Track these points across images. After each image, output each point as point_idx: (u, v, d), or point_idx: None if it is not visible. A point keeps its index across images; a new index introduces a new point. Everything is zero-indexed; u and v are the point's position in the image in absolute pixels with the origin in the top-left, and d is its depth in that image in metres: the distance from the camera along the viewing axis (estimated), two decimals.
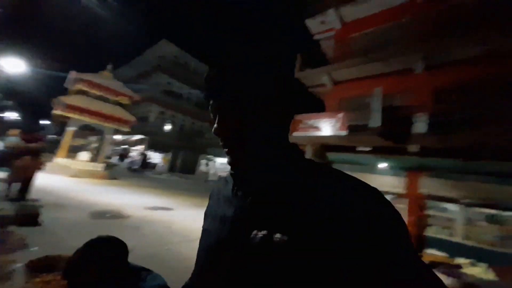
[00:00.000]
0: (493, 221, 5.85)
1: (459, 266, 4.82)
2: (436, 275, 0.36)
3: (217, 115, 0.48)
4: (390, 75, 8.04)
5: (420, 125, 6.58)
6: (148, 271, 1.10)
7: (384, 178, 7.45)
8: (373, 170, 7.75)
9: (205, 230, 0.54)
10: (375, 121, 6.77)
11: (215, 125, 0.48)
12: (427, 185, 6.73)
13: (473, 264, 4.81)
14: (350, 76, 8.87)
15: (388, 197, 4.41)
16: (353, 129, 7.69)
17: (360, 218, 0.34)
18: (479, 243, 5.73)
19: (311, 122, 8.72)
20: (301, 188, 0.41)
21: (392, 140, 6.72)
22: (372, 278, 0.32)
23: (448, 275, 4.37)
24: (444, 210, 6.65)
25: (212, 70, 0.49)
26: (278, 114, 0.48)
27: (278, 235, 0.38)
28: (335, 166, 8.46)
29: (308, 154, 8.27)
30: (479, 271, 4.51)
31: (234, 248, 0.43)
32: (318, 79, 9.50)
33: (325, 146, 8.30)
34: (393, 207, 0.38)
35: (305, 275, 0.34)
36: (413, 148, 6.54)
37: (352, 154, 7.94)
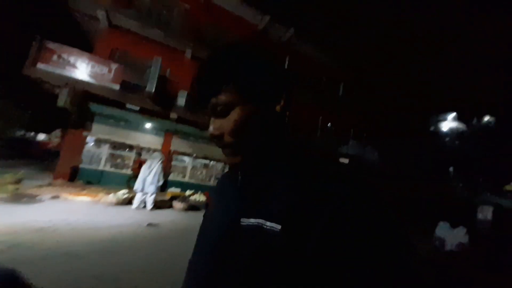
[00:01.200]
0: (205, 167, 9.82)
1: (187, 196, 7.61)
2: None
3: (217, 113, 0.44)
4: (167, 48, 9.08)
5: (180, 99, 8.53)
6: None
7: (147, 136, 8.56)
8: (137, 128, 8.44)
9: (202, 229, 0.53)
10: (151, 86, 7.51)
11: (215, 126, 0.45)
12: (175, 144, 9.09)
13: (194, 193, 7.84)
14: (132, 27, 8.43)
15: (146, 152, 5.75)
16: (126, 86, 7.67)
17: (351, 215, 0.34)
18: (196, 181, 9.38)
19: (71, 58, 7.01)
20: (296, 182, 0.40)
21: (161, 105, 7.99)
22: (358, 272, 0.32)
23: (182, 201, 6.85)
24: (182, 161, 9.53)
25: (213, 61, 0.45)
26: (277, 104, 0.46)
27: (268, 223, 0.37)
28: (97, 118, 7.88)
29: (62, 97, 6.69)
30: (197, 197, 7.56)
31: (226, 235, 0.43)
32: (91, 8, 7.68)
33: (88, 94, 7.27)
34: (384, 207, 0.37)
35: (295, 266, 0.34)
36: (173, 115, 8.39)
37: (119, 110, 7.92)
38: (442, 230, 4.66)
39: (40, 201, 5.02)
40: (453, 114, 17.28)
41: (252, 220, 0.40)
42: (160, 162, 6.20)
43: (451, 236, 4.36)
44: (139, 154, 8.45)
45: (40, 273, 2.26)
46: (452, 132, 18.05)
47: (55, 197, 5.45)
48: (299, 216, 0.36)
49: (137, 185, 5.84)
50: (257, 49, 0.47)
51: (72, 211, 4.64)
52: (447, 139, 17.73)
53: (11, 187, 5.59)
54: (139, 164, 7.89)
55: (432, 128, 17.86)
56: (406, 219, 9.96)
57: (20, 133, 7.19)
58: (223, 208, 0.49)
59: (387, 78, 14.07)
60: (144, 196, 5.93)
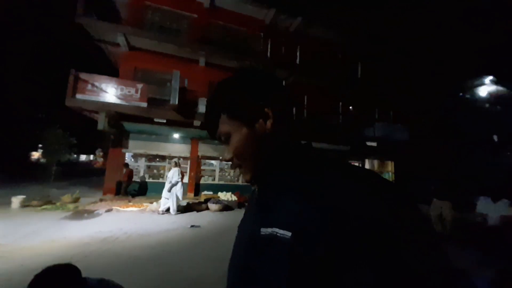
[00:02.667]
0: (231, 168, 10.26)
1: (218, 198, 8.08)
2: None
3: (224, 142, 0.51)
4: (183, 60, 9.56)
5: (201, 107, 8.96)
6: (103, 280, 1.24)
7: (176, 145, 9.19)
8: (167, 139, 9.10)
9: (236, 239, 0.56)
10: (174, 99, 8.03)
11: (226, 152, 0.52)
12: (202, 149, 9.62)
13: (224, 194, 8.30)
14: (148, 47, 9.02)
15: (176, 160, 6.13)
16: (152, 102, 8.29)
17: (362, 219, 0.34)
18: (226, 181, 9.86)
19: (102, 85, 7.76)
20: (303, 188, 0.41)
21: (184, 115, 8.50)
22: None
23: (215, 203, 7.30)
24: (210, 165, 10.07)
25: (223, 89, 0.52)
26: (268, 119, 0.48)
27: (281, 231, 0.39)
28: (132, 135, 8.63)
29: (101, 121, 7.49)
30: (228, 197, 8.00)
31: (250, 244, 0.45)
32: (112, 36, 8.38)
33: (121, 114, 8.01)
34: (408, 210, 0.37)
35: (309, 272, 0.35)
36: (197, 122, 8.87)
37: (148, 125, 8.59)
38: (483, 205, 4.47)
39: (98, 215, 5.77)
40: (490, 77, 15.62)
41: (269, 230, 0.41)
42: (174, 171, 6.48)
43: (494, 210, 4.18)
44: (126, 165, 8.64)
45: (114, 276, 2.74)
46: (491, 97, 16.38)
47: (109, 210, 6.21)
48: (308, 222, 0.37)
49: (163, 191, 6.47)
50: (237, 78, 0.52)
51: (125, 221, 5.28)
52: (487, 105, 16.12)
53: (71, 206, 6.48)
54: (128, 175, 8.41)
55: (467, 95, 16.34)
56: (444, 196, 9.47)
57: (70, 156, 8.17)
58: (249, 220, 0.52)
59: (406, 47, 13.10)
60: (166, 202, 6.37)
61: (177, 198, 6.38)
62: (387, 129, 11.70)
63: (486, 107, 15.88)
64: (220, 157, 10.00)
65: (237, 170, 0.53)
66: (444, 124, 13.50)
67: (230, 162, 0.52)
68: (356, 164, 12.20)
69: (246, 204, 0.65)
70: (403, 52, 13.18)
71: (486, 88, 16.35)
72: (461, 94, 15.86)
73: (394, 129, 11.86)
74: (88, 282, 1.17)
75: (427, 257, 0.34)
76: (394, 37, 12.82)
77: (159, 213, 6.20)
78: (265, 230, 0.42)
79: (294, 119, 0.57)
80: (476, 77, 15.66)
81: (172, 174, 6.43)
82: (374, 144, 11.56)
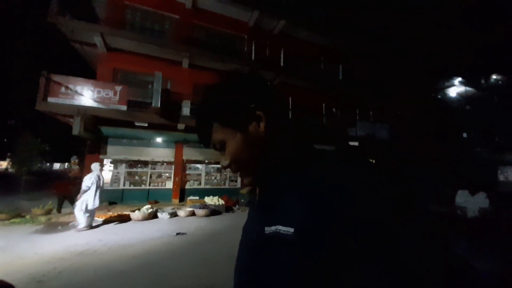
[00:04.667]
0: (218, 171, 10.04)
1: (204, 202, 7.85)
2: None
3: (219, 149, 0.51)
4: (165, 61, 9.27)
5: (185, 109, 8.72)
6: None
7: (159, 150, 8.84)
8: (149, 144, 8.73)
9: (240, 242, 0.56)
10: (156, 101, 7.73)
11: (222, 159, 0.51)
12: (187, 153, 9.33)
13: (211, 199, 8.08)
14: (128, 48, 8.65)
15: (160, 164, 5.84)
16: (132, 105, 7.92)
17: (360, 213, 0.35)
18: (212, 185, 9.62)
19: (77, 88, 7.30)
20: (302, 186, 0.42)
21: (168, 118, 8.21)
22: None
23: (202, 208, 7.08)
24: (196, 169, 9.78)
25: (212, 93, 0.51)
26: (260, 122, 0.47)
27: (284, 228, 0.39)
28: (111, 140, 8.20)
29: (76, 126, 7.02)
30: (215, 201, 7.80)
31: (256, 244, 0.46)
32: (87, 36, 7.93)
33: (99, 118, 7.57)
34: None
35: (313, 267, 0.35)
36: (181, 126, 8.60)
37: (129, 129, 8.19)
38: (462, 198, 4.68)
39: (74, 226, 5.34)
40: (459, 79, 16.75)
41: (273, 228, 0.42)
42: (88, 176, 5.47)
43: (472, 202, 4.39)
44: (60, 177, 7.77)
45: None
46: (461, 97, 17.56)
47: None
48: (309, 218, 0.38)
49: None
50: (225, 84, 0.52)
51: (105, 232, 4.94)
52: (457, 104, 17.27)
53: (43, 218, 5.97)
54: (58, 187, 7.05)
55: (439, 95, 17.40)
56: (426, 191, 9.93)
57: (41, 165, 7.57)
58: (253, 220, 0.53)
59: (387, 49, 13.70)
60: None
61: (86, 208, 5.14)
62: (368, 128, 12.11)
63: (457, 106, 17.00)
64: (206, 161, 9.78)
65: (234, 173, 0.52)
66: (422, 122, 14.20)
67: (227, 169, 0.51)
68: None
69: (248, 207, 0.66)
70: (381, 53, 13.76)
71: (456, 89, 17.56)
72: (436, 94, 16.85)
73: (374, 128, 12.29)
74: None
75: (428, 256, 0.35)
76: (375, 38, 13.37)
77: (78, 231, 5.01)
78: (268, 229, 0.43)
79: (289, 118, 0.53)
80: (448, 78, 16.73)
81: (85, 179, 5.40)
82: (356, 143, 11.89)
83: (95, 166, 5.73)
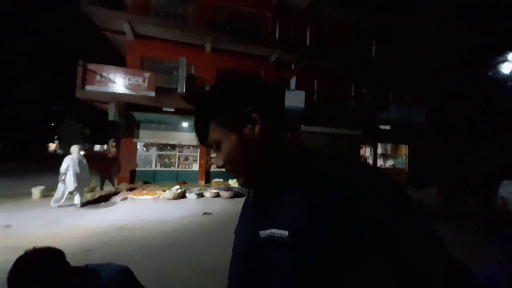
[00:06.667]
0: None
1: (229, 184, 8.15)
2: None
3: (215, 149, 0.50)
4: (189, 46, 9.34)
5: None
6: (103, 265, 1.18)
7: (185, 134, 9.21)
8: (176, 128, 9.12)
9: (234, 246, 0.57)
10: (181, 87, 7.94)
11: (217, 159, 0.51)
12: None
13: (235, 181, 8.34)
14: (154, 34, 8.83)
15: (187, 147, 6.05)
16: (159, 91, 8.25)
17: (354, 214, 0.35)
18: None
19: (111, 76, 7.75)
20: (296, 188, 0.42)
21: (192, 103, 8.43)
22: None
23: (226, 190, 7.37)
24: None
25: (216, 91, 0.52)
26: (256, 125, 0.47)
27: (278, 231, 0.39)
28: (142, 125, 8.71)
29: (111, 111, 7.54)
30: (236, 184, 8.04)
31: (250, 248, 0.46)
32: (117, 24, 8.24)
33: (131, 104, 8.05)
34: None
35: (308, 270, 0.35)
36: None
37: (158, 114, 8.61)
38: (506, 188, 4.24)
39: (114, 203, 5.95)
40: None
41: (267, 231, 0.42)
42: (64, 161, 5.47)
43: None
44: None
45: (129, 263, 2.81)
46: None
47: (124, 199, 6.38)
48: (306, 220, 0.37)
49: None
50: (224, 85, 0.53)
51: (140, 209, 5.42)
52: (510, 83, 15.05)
53: (89, 195, 6.70)
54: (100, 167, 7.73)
55: (489, 73, 15.26)
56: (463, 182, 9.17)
57: (84, 147, 8.38)
58: (246, 224, 0.53)
59: (424, 21, 12.15)
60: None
61: (64, 189, 5.36)
62: (402, 111, 11.22)
63: (504, 88, 14.86)
64: None
65: (228, 173, 0.52)
66: (460, 108, 12.77)
67: (222, 168, 0.52)
68: (368, 148, 12.22)
69: (242, 209, 0.63)
70: (419, 31, 12.29)
71: (509, 66, 15.23)
72: (486, 71, 14.79)
73: (409, 111, 11.35)
74: (76, 268, 1.13)
75: (428, 257, 0.34)
76: (411, 14, 11.92)
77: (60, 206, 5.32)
78: (263, 233, 0.43)
79: (285, 120, 0.54)
80: (495, 56, 14.51)
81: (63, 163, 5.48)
82: (387, 127, 11.16)
83: (73, 149, 5.67)
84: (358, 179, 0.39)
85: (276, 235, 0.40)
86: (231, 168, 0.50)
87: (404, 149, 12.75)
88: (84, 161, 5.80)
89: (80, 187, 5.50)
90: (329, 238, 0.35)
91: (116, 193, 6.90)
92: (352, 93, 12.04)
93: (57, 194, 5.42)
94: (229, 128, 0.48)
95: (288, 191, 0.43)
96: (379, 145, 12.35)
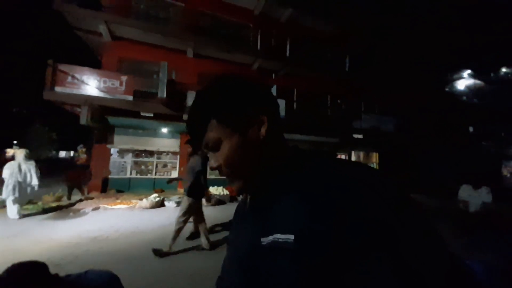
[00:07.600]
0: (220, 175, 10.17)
1: (210, 193, 7.99)
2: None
3: (211, 149, 0.47)
4: (170, 50, 9.19)
5: (190, 100, 8.72)
6: (87, 272, 1.15)
7: (164, 140, 8.93)
8: (155, 134, 8.81)
9: (227, 257, 0.55)
10: (162, 92, 7.74)
11: (212, 160, 0.48)
12: None
13: (216, 189, 8.22)
14: (133, 36, 8.57)
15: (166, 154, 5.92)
16: (138, 95, 7.94)
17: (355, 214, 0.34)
18: (216, 176, 9.75)
19: (84, 78, 7.32)
20: (300, 191, 0.40)
21: (173, 109, 8.23)
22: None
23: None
24: None
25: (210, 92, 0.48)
26: (261, 126, 0.46)
27: (282, 236, 0.37)
28: (117, 130, 8.28)
29: (83, 115, 7.09)
30: (219, 191, 7.94)
31: (252, 256, 0.43)
32: (93, 24, 7.86)
33: (105, 108, 7.63)
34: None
35: (316, 274, 0.34)
36: (185, 116, 8.64)
37: (135, 119, 8.24)
38: (465, 192, 4.73)
39: (85, 213, 5.52)
40: (468, 71, 16.39)
41: (270, 238, 0.40)
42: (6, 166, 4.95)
43: (475, 197, 4.44)
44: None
45: None
46: (470, 90, 17.23)
47: (96, 208, 5.96)
48: (309, 224, 0.36)
49: None
50: (230, 82, 0.49)
51: (115, 219, 5.10)
52: (464, 98, 16.97)
53: (54, 205, 6.16)
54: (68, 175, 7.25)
55: (447, 88, 17.08)
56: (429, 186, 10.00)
57: (50, 153, 7.70)
58: (244, 231, 0.50)
59: (394, 40, 13.40)
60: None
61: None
62: (373, 121, 12.03)
63: (464, 100, 16.74)
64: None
65: (222, 176, 0.49)
66: (427, 116, 14.06)
67: (216, 170, 0.48)
68: (343, 156, 12.87)
69: (235, 215, 0.60)
70: (391, 46, 13.46)
71: (464, 82, 17.20)
72: (444, 87, 16.55)
73: (380, 121, 12.22)
74: (62, 279, 1.08)
75: (428, 257, 0.34)
76: (385, 30, 13.04)
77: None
78: (265, 240, 0.40)
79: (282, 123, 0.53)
80: (456, 71, 16.38)
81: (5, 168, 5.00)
82: (360, 136, 11.87)
83: (17, 153, 5.13)
84: (358, 179, 0.38)
85: (280, 240, 0.38)
86: (228, 171, 0.47)
87: (375, 157, 13.61)
88: (32, 168, 5.11)
89: (21, 197, 4.89)
90: (333, 239, 0.34)
91: (86, 203, 6.42)
92: (329, 103, 12.66)
93: (8, 205, 4.82)
94: (233, 127, 0.45)
95: (290, 193, 0.41)
96: (352, 153, 13.07)
